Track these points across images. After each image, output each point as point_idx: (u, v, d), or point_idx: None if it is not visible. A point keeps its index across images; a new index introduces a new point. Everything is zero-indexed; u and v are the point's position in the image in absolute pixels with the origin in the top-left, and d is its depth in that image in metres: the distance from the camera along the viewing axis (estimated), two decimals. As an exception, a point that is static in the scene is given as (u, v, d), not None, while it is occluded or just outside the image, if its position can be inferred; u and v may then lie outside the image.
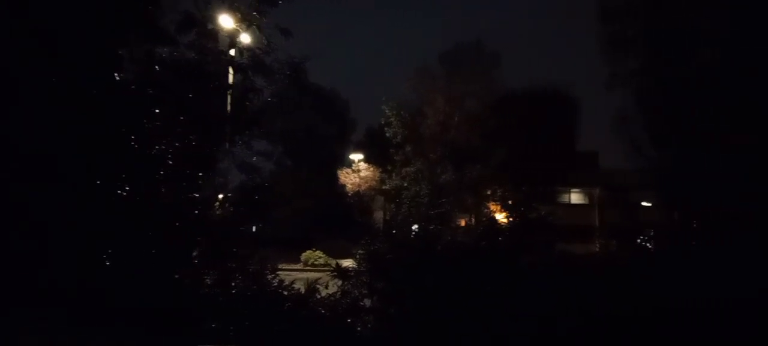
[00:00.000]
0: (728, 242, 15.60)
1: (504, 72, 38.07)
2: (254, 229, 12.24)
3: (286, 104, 39.62)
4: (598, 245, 33.78)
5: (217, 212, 10.00)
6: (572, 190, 46.03)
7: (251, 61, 8.78)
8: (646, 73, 22.83)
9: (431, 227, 13.13)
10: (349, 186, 37.59)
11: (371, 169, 36.76)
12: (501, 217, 32.84)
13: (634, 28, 22.75)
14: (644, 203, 38.30)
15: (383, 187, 34.15)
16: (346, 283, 9.13)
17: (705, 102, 20.74)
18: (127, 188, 7.48)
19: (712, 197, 19.41)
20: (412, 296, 8.72)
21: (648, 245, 27.24)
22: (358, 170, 37.47)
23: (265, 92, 9.03)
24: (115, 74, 7.51)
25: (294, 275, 13.53)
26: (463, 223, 31.37)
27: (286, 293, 9.18)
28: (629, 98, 24.20)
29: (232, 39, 8.69)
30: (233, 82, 8.98)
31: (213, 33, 8.34)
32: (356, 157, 38.66)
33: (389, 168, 33.21)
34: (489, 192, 32.05)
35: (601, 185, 44.09)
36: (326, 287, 9.19)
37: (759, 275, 9.73)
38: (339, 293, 9.00)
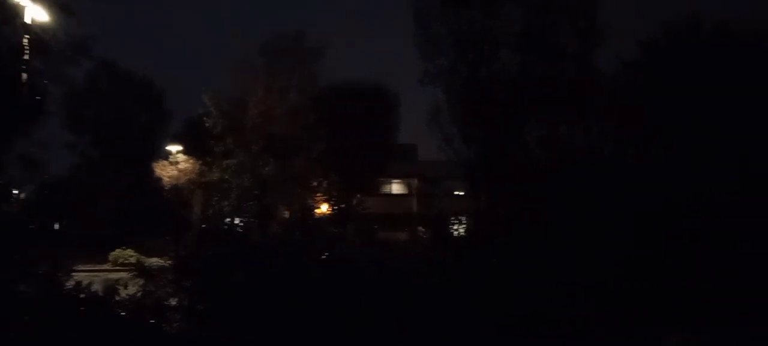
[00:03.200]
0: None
1: (328, 65, 38.42)
2: (57, 226, 11.11)
3: (88, 90, 36.28)
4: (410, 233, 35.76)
5: (12, 209, 8.92)
6: (393, 181, 48.35)
7: (24, 39, 7.81)
8: (454, 72, 24.76)
9: (247, 220, 12.97)
10: (166, 179, 35.36)
11: (191, 161, 34.94)
12: (326, 208, 33.52)
13: (443, 29, 24.53)
14: (458, 193, 41.64)
15: (203, 180, 32.86)
16: (148, 282, 8.66)
17: (503, 100, 23.23)
18: None
19: (512, 187, 21.56)
20: (222, 292, 8.56)
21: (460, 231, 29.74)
22: (176, 163, 35.39)
23: (51, 75, 8.11)
24: None
25: (101, 276, 12.52)
26: (288, 214, 31.38)
27: (82, 295, 8.49)
28: (441, 94, 26.04)
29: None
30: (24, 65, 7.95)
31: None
32: (174, 148, 36.52)
33: (209, 160, 32.02)
34: (315, 183, 32.39)
35: (419, 176, 46.89)
36: (126, 287, 8.65)
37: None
38: (140, 292, 8.53)
